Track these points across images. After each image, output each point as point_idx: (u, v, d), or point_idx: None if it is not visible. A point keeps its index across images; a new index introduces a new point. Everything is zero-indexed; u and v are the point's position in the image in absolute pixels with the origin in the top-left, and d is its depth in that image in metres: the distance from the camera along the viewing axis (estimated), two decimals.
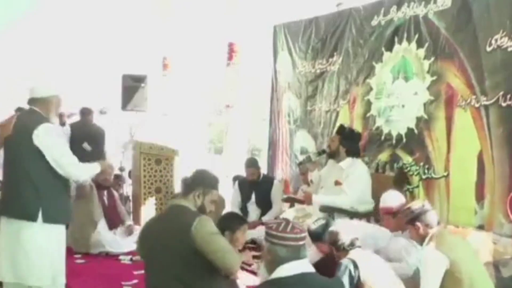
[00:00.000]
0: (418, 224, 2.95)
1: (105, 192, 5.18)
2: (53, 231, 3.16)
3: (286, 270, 2.06)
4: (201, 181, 2.76)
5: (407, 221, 3.04)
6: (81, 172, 3.35)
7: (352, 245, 3.13)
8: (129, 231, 5.01)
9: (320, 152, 4.74)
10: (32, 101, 3.25)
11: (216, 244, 2.49)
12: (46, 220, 3.09)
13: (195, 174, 2.83)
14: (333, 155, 4.47)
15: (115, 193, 5.39)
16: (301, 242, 2.10)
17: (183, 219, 2.55)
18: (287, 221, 2.19)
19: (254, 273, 4.14)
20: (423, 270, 2.81)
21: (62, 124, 8.20)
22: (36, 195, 3.08)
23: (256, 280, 3.51)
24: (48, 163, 3.10)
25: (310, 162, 4.85)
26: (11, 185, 3.17)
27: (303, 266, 2.09)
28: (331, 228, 3.42)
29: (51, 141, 3.13)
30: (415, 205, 3.07)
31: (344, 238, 3.15)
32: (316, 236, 3.55)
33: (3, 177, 3.36)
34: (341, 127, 4.65)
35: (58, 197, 3.20)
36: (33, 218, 3.06)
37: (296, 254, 2.09)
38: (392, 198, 3.53)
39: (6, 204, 3.18)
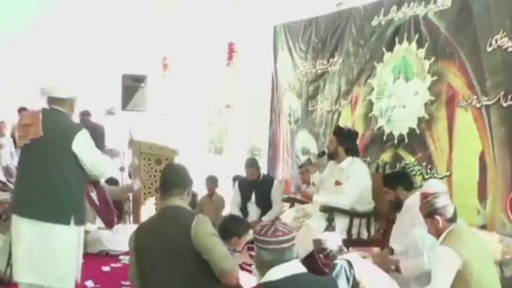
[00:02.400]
0: (438, 217, 2.87)
1: (93, 188, 5.13)
2: (79, 233, 3.20)
3: (276, 273, 2.06)
4: (188, 178, 2.78)
5: (426, 214, 2.96)
6: (110, 169, 3.48)
7: (340, 251, 3.10)
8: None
9: (320, 154, 4.72)
10: (55, 100, 3.18)
11: (214, 245, 2.48)
12: (77, 222, 3.12)
13: (178, 173, 2.77)
14: (333, 156, 4.47)
15: (103, 185, 5.34)
16: (284, 245, 2.09)
17: (182, 219, 2.54)
18: (272, 224, 2.17)
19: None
20: (436, 268, 2.79)
21: None
22: (70, 199, 3.10)
23: (254, 280, 3.51)
24: (79, 167, 3.12)
25: (311, 164, 4.84)
26: (39, 188, 3.09)
27: (293, 267, 2.09)
28: (316, 237, 3.39)
29: (91, 147, 3.18)
30: (436, 197, 2.99)
31: (332, 245, 3.12)
32: (388, 181, 3.88)
33: (24, 178, 3.24)
34: (338, 128, 4.63)
35: (83, 199, 3.30)
36: (68, 222, 3.07)
37: (280, 257, 2.08)
38: (434, 185, 3.48)
39: (32, 206, 3.09)
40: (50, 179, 3.07)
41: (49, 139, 3.08)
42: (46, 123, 3.11)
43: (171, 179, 2.70)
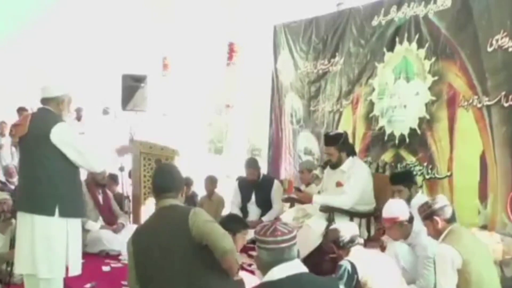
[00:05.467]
0: (437, 218, 2.92)
1: (100, 191, 5.20)
2: (69, 225, 3.26)
3: (277, 272, 2.05)
4: (178, 180, 2.78)
5: (425, 217, 3.00)
6: (104, 162, 3.53)
7: (352, 241, 3.09)
8: (116, 230, 5.03)
9: (324, 166, 4.68)
10: (44, 100, 3.34)
11: (212, 228, 2.49)
12: (62, 214, 3.20)
13: (167, 177, 2.75)
14: (337, 164, 4.41)
15: (109, 193, 5.41)
16: (283, 245, 2.08)
17: (178, 215, 2.55)
18: (271, 224, 2.17)
19: (254, 273, 4.13)
20: (439, 267, 2.80)
21: (79, 118, 8.20)
22: (53, 191, 3.19)
23: (254, 280, 3.51)
24: (65, 159, 3.21)
25: (318, 179, 4.81)
26: (28, 182, 3.27)
27: (294, 267, 2.08)
28: (332, 226, 3.39)
29: (71, 138, 3.25)
30: (433, 200, 3.04)
31: (344, 235, 3.11)
32: (404, 179, 3.89)
33: (19, 175, 3.48)
34: (330, 137, 4.50)
35: (73, 192, 3.33)
36: (50, 213, 3.16)
37: (279, 257, 2.07)
38: (397, 208, 3.44)
39: (23, 200, 3.27)
40: (33, 172, 3.22)
41: (32, 135, 3.23)
42: (32, 122, 3.27)
43: (161, 184, 2.71)
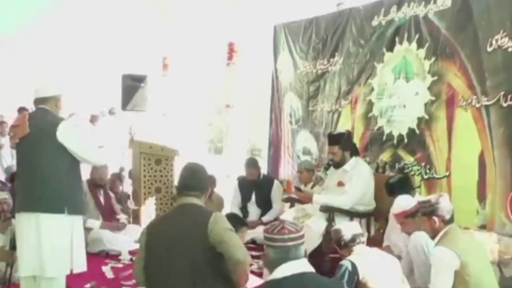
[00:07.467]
0: (435, 218, 2.91)
1: (101, 192, 5.21)
2: (74, 222, 3.30)
3: (282, 271, 2.06)
4: (205, 182, 2.78)
5: (424, 213, 2.98)
6: (103, 157, 3.65)
7: (353, 240, 3.09)
8: (118, 228, 5.05)
9: (326, 167, 4.68)
10: (40, 100, 3.37)
11: (230, 237, 2.49)
12: (71, 211, 3.24)
13: (195, 176, 2.74)
14: (341, 163, 4.41)
15: (111, 193, 5.41)
16: (290, 243, 2.09)
17: (199, 216, 2.55)
18: (280, 222, 2.18)
19: (254, 273, 4.14)
20: (435, 269, 2.80)
21: (92, 122, 8.18)
22: (61, 188, 3.22)
23: (255, 280, 3.51)
24: (68, 157, 3.26)
25: (322, 180, 4.81)
26: (32, 181, 3.26)
27: (301, 266, 2.09)
28: (334, 227, 3.39)
29: (76, 136, 3.31)
30: (434, 198, 3.01)
31: (346, 234, 3.10)
32: (392, 189, 3.86)
33: (19, 176, 3.44)
34: (334, 136, 4.51)
35: (78, 189, 3.41)
36: (61, 210, 3.20)
37: (285, 255, 2.08)
38: (404, 202, 3.47)
39: (26, 200, 3.25)
40: (40, 172, 3.23)
41: (35, 134, 3.25)
42: (32, 122, 3.29)
43: (187, 182, 2.69)
